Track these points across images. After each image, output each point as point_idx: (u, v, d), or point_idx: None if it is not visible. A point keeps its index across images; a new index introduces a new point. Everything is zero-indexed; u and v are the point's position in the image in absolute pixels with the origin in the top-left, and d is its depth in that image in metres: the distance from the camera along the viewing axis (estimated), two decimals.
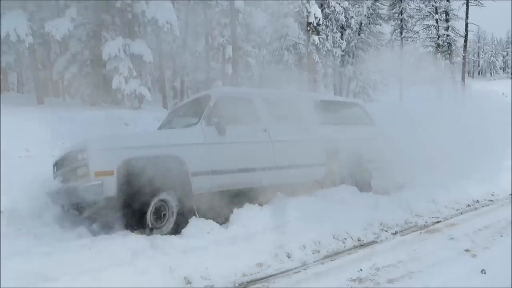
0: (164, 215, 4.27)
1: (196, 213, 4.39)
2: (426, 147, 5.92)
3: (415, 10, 29.46)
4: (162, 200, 4.26)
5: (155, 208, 4.20)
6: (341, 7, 24.24)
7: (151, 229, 4.10)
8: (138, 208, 4.05)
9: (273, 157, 5.13)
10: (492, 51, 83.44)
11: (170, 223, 4.28)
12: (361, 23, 27.45)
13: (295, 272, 3.48)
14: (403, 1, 29.25)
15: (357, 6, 27.49)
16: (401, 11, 29.52)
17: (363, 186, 6.07)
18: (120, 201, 4.01)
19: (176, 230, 4.22)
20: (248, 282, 3.29)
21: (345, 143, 5.86)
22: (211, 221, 4.39)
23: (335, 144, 5.82)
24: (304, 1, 18.79)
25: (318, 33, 20.76)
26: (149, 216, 4.13)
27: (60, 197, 4.53)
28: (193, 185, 4.45)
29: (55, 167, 4.92)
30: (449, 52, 27.40)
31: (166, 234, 4.07)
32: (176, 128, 5.39)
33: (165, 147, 4.40)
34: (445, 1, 27.08)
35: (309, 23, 19.20)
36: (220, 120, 4.75)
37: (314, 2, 19.19)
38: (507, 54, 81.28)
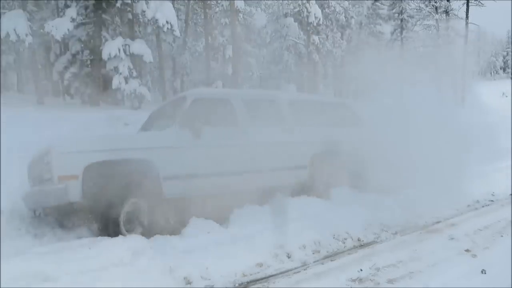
0: (135, 220, 4.17)
1: (168, 217, 4.30)
2: (422, 147, 5.81)
3: (415, 10, 29.43)
4: (132, 205, 4.15)
5: (125, 213, 4.09)
6: (341, 7, 24.25)
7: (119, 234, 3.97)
8: (106, 213, 3.94)
9: (252, 160, 4.95)
10: (492, 51, 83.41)
11: (140, 228, 4.17)
12: (361, 23, 27.46)
13: (295, 272, 3.48)
14: (403, 1, 29.24)
15: (357, 6, 27.50)
16: (401, 11, 29.49)
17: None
18: (87, 206, 3.90)
19: (148, 234, 4.11)
20: (248, 282, 3.30)
21: (330, 145, 5.64)
22: (211, 221, 4.39)
23: (319, 146, 5.64)
24: (304, 1, 18.81)
25: (318, 33, 20.79)
26: (119, 221, 4.01)
27: (29, 201, 4.42)
28: (164, 190, 4.32)
29: (28, 170, 4.80)
30: (449, 52, 27.39)
31: None
32: (151, 131, 5.24)
33: (134, 150, 4.25)
34: (445, 1, 27.08)
35: (309, 23, 19.22)
36: (195, 122, 4.59)
37: (314, 2, 19.21)
38: (507, 54, 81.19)
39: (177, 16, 16.24)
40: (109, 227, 3.94)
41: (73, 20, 12.98)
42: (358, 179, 5.87)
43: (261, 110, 5.44)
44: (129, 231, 4.08)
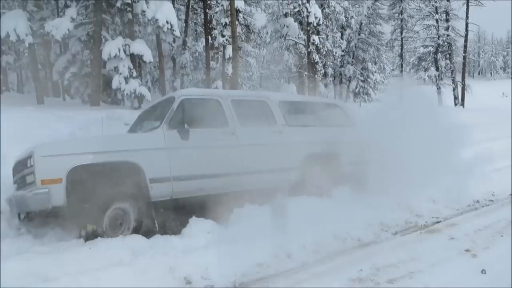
0: (121, 224, 4.11)
1: (155, 221, 4.24)
2: (420, 148, 5.76)
3: (415, 10, 29.50)
4: (118, 208, 4.08)
5: (111, 216, 4.03)
6: (341, 7, 24.25)
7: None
8: (92, 217, 3.88)
9: (241, 162, 4.89)
10: (492, 51, 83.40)
11: (127, 232, 4.10)
12: (361, 23, 27.47)
13: (295, 272, 3.47)
14: (403, 1, 29.27)
15: (357, 6, 27.50)
16: (401, 11, 29.55)
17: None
18: (71, 210, 3.84)
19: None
20: (248, 282, 3.30)
21: (321, 146, 5.58)
22: (211, 221, 4.38)
23: (310, 147, 5.56)
24: (304, 1, 18.81)
25: (318, 33, 20.79)
26: (104, 225, 3.96)
27: (13, 205, 4.35)
28: (151, 192, 4.26)
29: (13, 173, 4.68)
30: (449, 52, 27.44)
31: None
32: (138, 132, 5.18)
33: (119, 152, 4.18)
34: (445, 1, 27.10)
35: (309, 23, 19.22)
36: (183, 123, 4.52)
37: (314, 2, 19.21)
38: (507, 54, 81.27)
39: (177, 16, 16.23)
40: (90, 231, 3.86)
41: (73, 20, 12.99)
42: (353, 180, 5.82)
43: (251, 111, 5.38)
44: (112, 236, 3.97)
